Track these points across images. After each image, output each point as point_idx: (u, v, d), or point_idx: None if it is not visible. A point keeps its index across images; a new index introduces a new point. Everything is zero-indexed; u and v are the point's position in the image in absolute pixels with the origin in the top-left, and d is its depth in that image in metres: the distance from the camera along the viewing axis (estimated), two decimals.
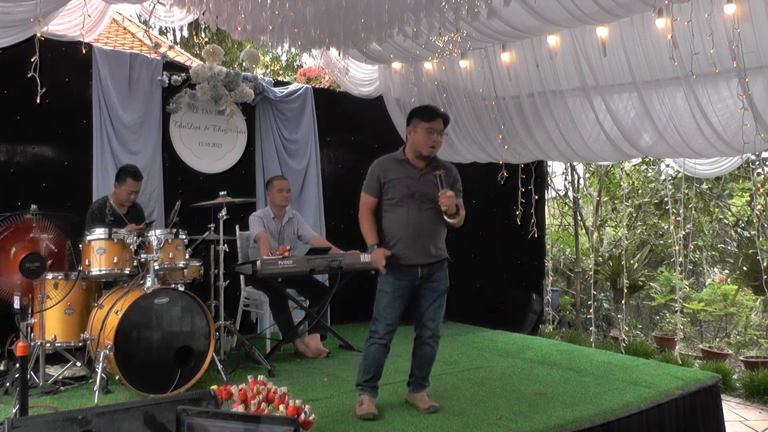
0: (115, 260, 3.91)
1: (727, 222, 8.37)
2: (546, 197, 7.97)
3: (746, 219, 7.95)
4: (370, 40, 5.08)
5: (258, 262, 4.42)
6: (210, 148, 5.80)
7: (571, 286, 8.97)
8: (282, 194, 5.10)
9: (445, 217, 3.38)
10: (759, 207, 7.14)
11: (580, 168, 8.56)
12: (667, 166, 7.91)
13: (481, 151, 6.33)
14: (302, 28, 4.70)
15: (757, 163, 6.19)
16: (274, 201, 5.12)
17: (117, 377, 3.66)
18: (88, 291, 4.13)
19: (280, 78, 10.86)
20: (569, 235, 9.44)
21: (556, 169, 8.73)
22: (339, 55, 5.90)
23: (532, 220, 7.19)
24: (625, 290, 7.11)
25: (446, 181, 3.41)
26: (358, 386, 3.46)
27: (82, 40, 4.76)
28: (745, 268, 7.19)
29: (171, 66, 5.62)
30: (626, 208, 8.25)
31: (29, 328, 3.81)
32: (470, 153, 6.47)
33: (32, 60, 4.16)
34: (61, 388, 3.81)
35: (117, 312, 3.65)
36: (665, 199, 7.40)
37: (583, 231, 8.69)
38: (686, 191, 6.87)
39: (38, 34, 4.18)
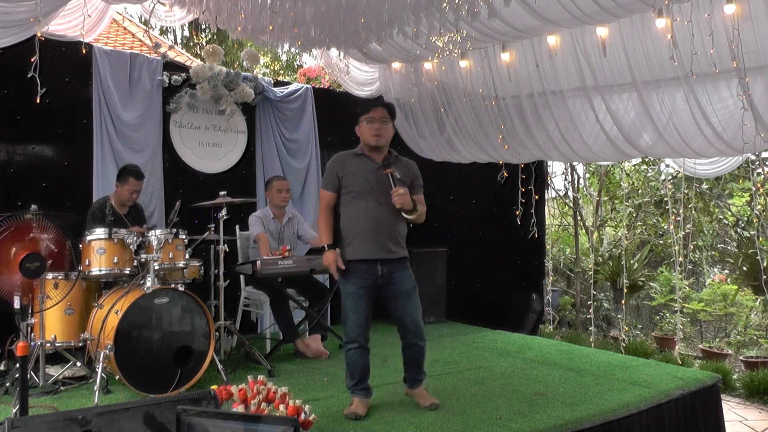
0: (115, 260, 3.91)
1: (727, 222, 8.37)
2: (546, 197, 7.98)
3: (746, 219, 7.95)
4: (370, 40, 5.08)
5: (258, 262, 4.42)
6: (210, 148, 5.80)
7: (571, 286, 8.97)
8: (281, 194, 5.10)
9: (403, 214, 3.36)
10: (759, 207, 7.14)
11: (580, 168, 8.57)
12: (667, 166, 7.91)
13: (481, 151, 6.33)
14: (302, 28, 4.70)
15: (757, 163, 6.19)
16: (274, 201, 5.12)
17: (117, 377, 3.66)
18: (88, 291, 4.13)
19: (280, 78, 10.86)
20: (569, 235, 9.44)
21: (556, 169, 8.74)
22: (339, 55, 5.90)
23: (532, 220, 7.20)
24: (625, 290, 7.11)
25: (405, 177, 3.41)
26: (349, 391, 3.47)
27: (82, 40, 4.76)
28: (745, 268, 7.19)
29: (171, 66, 5.62)
30: (626, 208, 8.25)
31: (29, 328, 3.81)
32: (470, 153, 6.47)
33: (32, 60, 4.15)
34: (61, 388, 3.81)
35: (117, 312, 3.65)
36: (665, 199, 7.40)
37: (583, 231, 8.69)
38: (686, 191, 6.87)
39: (38, 34, 4.18)
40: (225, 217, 4.48)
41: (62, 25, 4.85)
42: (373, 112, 3.43)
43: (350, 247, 3.40)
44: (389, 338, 4.62)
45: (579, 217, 8.58)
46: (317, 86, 7.31)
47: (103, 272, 3.93)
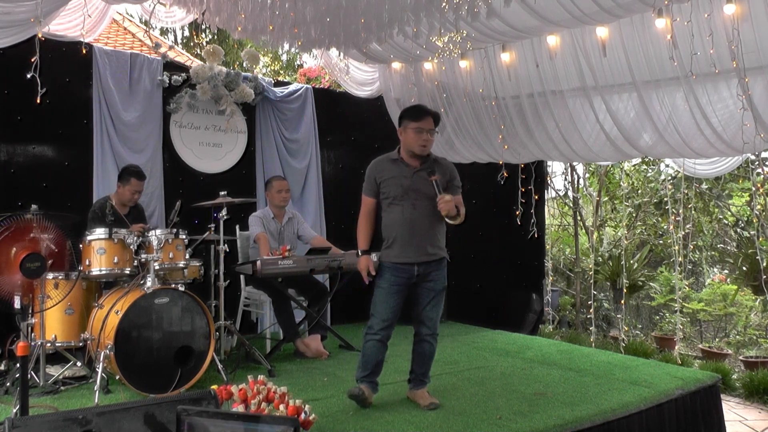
0: (116, 260, 3.91)
1: (726, 222, 8.37)
2: (546, 197, 7.97)
3: (746, 219, 7.95)
4: (370, 40, 5.08)
5: (258, 262, 4.42)
6: (210, 148, 5.80)
7: (571, 286, 8.97)
8: (281, 195, 5.11)
9: (447, 220, 3.43)
10: (759, 207, 7.14)
11: (580, 168, 8.57)
12: (667, 166, 7.91)
13: (481, 151, 6.33)
14: (302, 28, 4.70)
15: (757, 163, 6.19)
16: (273, 201, 5.13)
17: (117, 377, 3.67)
18: (89, 291, 4.14)
19: (280, 78, 10.87)
20: (569, 235, 9.44)
21: (556, 169, 8.74)
22: (339, 55, 5.91)
23: (532, 220, 7.19)
24: (625, 290, 7.11)
25: (442, 181, 3.44)
26: (357, 381, 3.49)
27: (82, 40, 4.76)
28: (744, 268, 7.19)
29: (171, 66, 5.62)
30: (626, 208, 8.25)
31: (29, 328, 3.81)
32: (470, 153, 6.47)
33: (32, 60, 4.16)
34: (62, 387, 3.81)
35: (117, 312, 3.65)
36: (665, 199, 7.40)
37: (583, 231, 8.69)
38: (686, 191, 6.87)
39: (39, 35, 4.19)
40: (225, 217, 4.48)
41: (62, 25, 4.85)
42: (424, 122, 3.45)
43: (389, 249, 3.49)
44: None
45: (579, 217, 8.58)
46: (317, 86, 7.31)
47: (104, 272, 3.93)
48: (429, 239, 3.48)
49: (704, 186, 7.78)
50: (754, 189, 6.30)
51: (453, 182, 3.55)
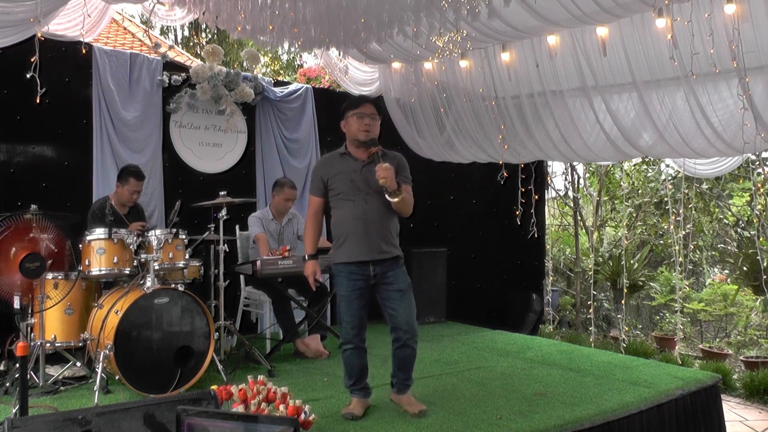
0: (115, 260, 3.91)
1: (727, 222, 8.37)
2: (546, 197, 7.97)
3: (746, 219, 7.95)
4: (370, 40, 5.08)
5: (258, 262, 4.42)
6: (210, 148, 5.80)
7: (571, 286, 8.97)
8: (287, 204, 5.11)
9: (387, 196, 3.25)
10: (759, 207, 7.14)
11: (580, 168, 8.57)
12: (667, 166, 7.91)
13: (481, 151, 6.33)
14: (302, 28, 4.70)
15: (757, 163, 6.19)
16: (278, 206, 5.11)
17: (117, 377, 3.66)
18: (88, 291, 4.13)
19: (280, 78, 10.86)
20: (569, 235, 9.44)
21: (556, 169, 8.73)
22: (339, 55, 5.90)
23: (532, 220, 7.19)
24: (625, 290, 7.10)
25: (389, 163, 3.32)
26: (348, 390, 3.47)
27: (82, 40, 4.76)
28: (745, 268, 7.19)
29: (171, 66, 5.62)
30: (626, 208, 8.25)
31: (29, 328, 3.81)
32: (470, 153, 6.47)
33: (32, 60, 4.15)
34: (61, 388, 3.81)
35: (117, 312, 3.65)
36: (665, 199, 7.40)
37: (583, 231, 8.69)
38: (686, 191, 6.87)
39: (38, 34, 4.18)
40: (225, 217, 4.48)
41: (62, 25, 4.85)
42: (363, 107, 3.40)
43: (341, 249, 3.38)
44: (389, 338, 4.62)
45: (579, 217, 8.57)
46: (317, 86, 7.31)
47: (103, 272, 3.93)
48: (382, 236, 3.36)
49: (704, 186, 7.77)
50: (754, 189, 6.30)
51: (402, 173, 3.40)
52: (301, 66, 13.11)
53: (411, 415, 3.35)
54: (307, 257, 3.49)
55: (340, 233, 3.39)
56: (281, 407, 2.87)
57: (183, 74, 5.56)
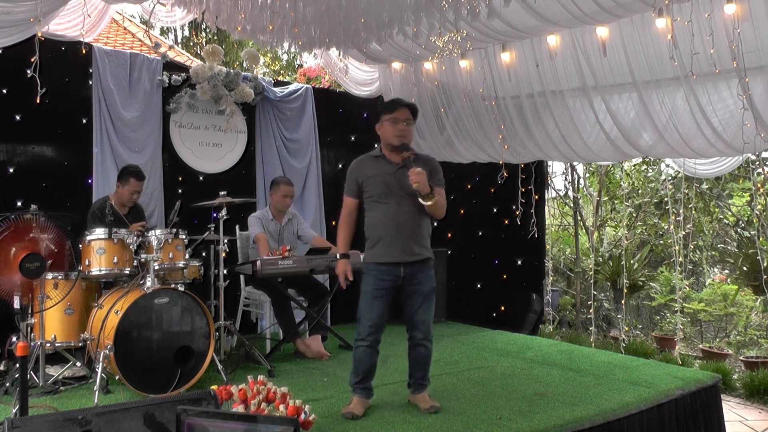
0: (115, 260, 3.91)
1: (727, 222, 8.37)
2: (546, 197, 7.97)
3: (746, 219, 7.95)
4: (370, 40, 5.08)
5: (258, 262, 4.42)
6: (210, 148, 5.80)
7: (571, 286, 8.97)
8: (285, 200, 5.10)
9: (420, 199, 3.28)
10: (759, 207, 7.14)
11: (580, 168, 8.57)
12: (667, 166, 7.91)
13: (481, 151, 6.34)
14: (302, 28, 4.70)
15: (757, 163, 6.19)
16: (277, 205, 5.11)
17: (117, 377, 3.66)
18: (88, 291, 4.13)
19: (280, 78, 10.87)
20: (569, 235, 9.44)
21: (556, 169, 8.74)
22: (339, 55, 5.90)
23: (532, 220, 7.20)
24: (625, 290, 7.11)
25: (421, 167, 3.33)
26: (351, 387, 3.48)
27: (82, 40, 4.76)
28: (745, 268, 7.19)
29: (171, 66, 5.62)
30: (626, 208, 8.25)
31: (29, 328, 3.81)
32: (470, 153, 6.47)
33: (32, 60, 4.16)
34: (61, 388, 3.81)
35: (117, 312, 3.65)
36: (665, 199, 7.40)
37: (583, 231, 8.69)
38: (686, 191, 6.87)
39: (38, 34, 4.19)
40: (225, 217, 4.47)
41: (62, 25, 4.85)
42: (398, 112, 3.42)
43: (373, 250, 3.43)
44: (390, 338, 4.61)
45: (579, 217, 8.58)
46: (317, 86, 7.31)
47: (103, 272, 3.93)
48: (414, 238, 3.40)
49: (704, 186, 7.78)
50: (754, 189, 6.30)
51: (435, 176, 3.43)
52: (301, 66, 13.11)
53: (422, 409, 3.39)
54: (339, 256, 3.52)
55: (373, 235, 3.43)
56: (281, 407, 2.87)
57: (183, 74, 5.56)
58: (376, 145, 3.58)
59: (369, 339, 3.39)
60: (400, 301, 3.48)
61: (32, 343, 3.78)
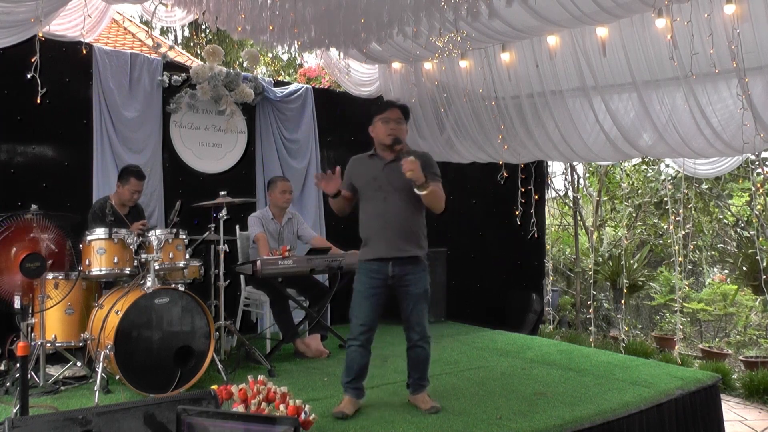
0: (116, 260, 3.91)
1: (726, 222, 8.38)
2: (546, 197, 7.97)
3: (746, 219, 7.96)
4: (370, 40, 5.08)
5: (258, 262, 4.42)
6: (210, 148, 5.80)
7: (571, 286, 8.97)
8: (284, 196, 5.11)
9: (415, 189, 3.24)
10: (759, 207, 7.15)
11: (580, 168, 8.57)
12: (667, 166, 7.92)
13: (481, 151, 6.34)
14: (302, 28, 4.70)
15: (757, 163, 6.19)
16: (276, 202, 5.12)
17: (117, 377, 3.66)
18: (89, 291, 4.13)
19: (280, 78, 10.86)
20: (569, 235, 9.44)
21: (556, 169, 8.75)
22: (339, 55, 5.91)
23: (532, 220, 7.20)
24: (625, 290, 7.11)
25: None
26: (342, 387, 3.48)
27: (82, 40, 4.76)
28: (744, 268, 7.20)
29: (171, 66, 5.62)
30: (626, 208, 8.25)
31: (29, 328, 3.81)
32: (470, 153, 6.48)
33: (32, 60, 4.16)
34: (62, 387, 3.81)
35: (117, 312, 3.65)
36: (665, 199, 7.40)
37: (583, 231, 8.69)
38: (686, 191, 6.87)
39: (39, 35, 4.19)
40: (225, 217, 4.48)
41: (62, 25, 4.85)
42: (389, 112, 3.46)
43: (364, 248, 3.45)
44: (389, 338, 4.61)
45: (579, 217, 8.58)
46: (317, 86, 7.31)
47: (104, 272, 3.93)
48: (402, 234, 3.37)
49: (704, 186, 7.78)
50: (754, 189, 6.30)
51: (430, 170, 3.39)
52: (301, 66, 13.11)
53: (422, 410, 3.38)
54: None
55: (364, 233, 3.46)
56: (281, 407, 2.87)
57: (183, 74, 5.56)
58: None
59: (360, 338, 3.40)
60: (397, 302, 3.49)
61: (33, 343, 3.79)
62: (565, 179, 8.62)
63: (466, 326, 6.25)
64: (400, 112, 3.49)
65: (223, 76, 5.59)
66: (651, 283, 8.28)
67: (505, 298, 7.24)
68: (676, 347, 6.67)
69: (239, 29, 4.63)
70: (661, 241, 8.57)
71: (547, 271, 7.88)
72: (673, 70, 4.43)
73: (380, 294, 3.41)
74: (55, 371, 3.98)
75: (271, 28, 4.60)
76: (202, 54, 5.91)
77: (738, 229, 8.11)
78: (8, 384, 3.71)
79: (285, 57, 13.91)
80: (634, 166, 8.45)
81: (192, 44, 12.33)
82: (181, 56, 7.85)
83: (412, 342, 3.48)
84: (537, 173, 7.26)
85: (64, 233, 3.68)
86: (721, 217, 8.33)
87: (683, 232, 6.92)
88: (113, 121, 5.22)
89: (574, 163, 8.17)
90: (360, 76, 6.50)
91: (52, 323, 3.91)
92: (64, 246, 3.75)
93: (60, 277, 3.92)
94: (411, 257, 3.40)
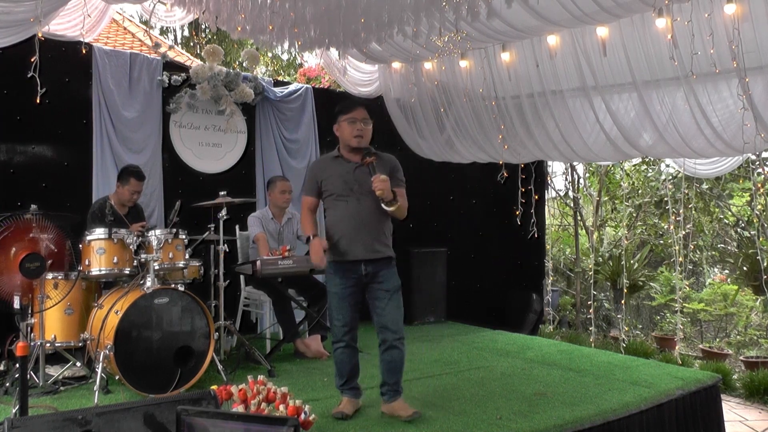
0: (115, 260, 3.91)
1: (727, 222, 8.37)
2: (546, 197, 7.97)
3: (746, 219, 7.95)
4: (370, 40, 5.08)
5: (258, 262, 4.42)
6: (210, 148, 5.80)
7: (571, 286, 8.97)
8: (284, 195, 5.11)
9: (383, 205, 3.26)
10: (759, 207, 7.14)
11: (580, 168, 8.57)
12: (667, 166, 7.91)
13: (481, 151, 6.33)
14: (302, 28, 4.70)
15: (757, 163, 6.19)
16: (276, 202, 5.12)
17: (117, 377, 3.66)
18: (88, 291, 4.13)
19: (280, 78, 10.86)
20: (569, 235, 9.44)
21: (556, 169, 8.74)
22: (339, 55, 5.90)
23: (532, 220, 7.19)
24: (625, 290, 7.11)
25: (383, 170, 3.33)
26: (338, 390, 3.47)
27: (82, 40, 4.76)
28: (745, 268, 7.19)
29: (171, 66, 5.61)
30: (626, 208, 8.25)
31: (29, 328, 3.81)
32: (470, 153, 6.47)
33: (32, 60, 4.15)
34: (61, 388, 3.81)
35: (117, 312, 3.65)
36: (665, 199, 7.40)
37: (583, 231, 8.69)
38: (686, 191, 6.87)
39: (38, 34, 4.18)
40: (225, 217, 4.48)
41: (62, 25, 4.85)
42: (356, 112, 3.40)
43: (335, 248, 3.39)
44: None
45: (579, 217, 8.57)
46: (317, 86, 7.31)
47: (103, 272, 3.93)
48: (375, 236, 3.37)
49: (704, 186, 7.78)
50: (754, 189, 6.30)
51: (396, 175, 3.41)
52: (301, 66, 13.10)
53: (403, 418, 3.27)
54: (311, 237, 3.42)
55: (334, 233, 3.40)
56: (281, 407, 2.87)
57: (183, 74, 5.56)
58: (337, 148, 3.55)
59: (345, 339, 3.39)
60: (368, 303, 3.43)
61: (32, 343, 3.78)
62: (566, 179, 8.63)
63: (466, 326, 6.25)
64: (366, 111, 3.45)
65: (222, 76, 5.58)
66: (651, 283, 8.27)
67: (505, 298, 7.24)
68: (677, 347, 6.67)
69: (239, 29, 4.62)
70: (661, 241, 8.57)
71: (547, 271, 7.87)
72: (674, 69, 4.42)
73: (356, 293, 3.40)
74: (55, 371, 3.98)
75: (270, 27, 4.59)
76: (202, 54, 5.91)
77: (738, 229, 8.10)
78: (8, 384, 3.71)
79: (285, 57, 13.91)
80: (634, 166, 8.45)
81: (192, 44, 12.33)
82: (180, 56, 7.84)
83: (387, 343, 3.35)
84: (537, 173, 7.26)
85: (63, 233, 3.68)
86: (721, 217, 8.33)
87: (683, 232, 6.92)
88: (113, 121, 5.22)
89: (575, 163, 8.17)
90: (360, 76, 6.50)
91: (52, 323, 3.91)
92: (64, 246, 3.76)
93: (59, 277, 3.92)
94: (384, 258, 3.40)
